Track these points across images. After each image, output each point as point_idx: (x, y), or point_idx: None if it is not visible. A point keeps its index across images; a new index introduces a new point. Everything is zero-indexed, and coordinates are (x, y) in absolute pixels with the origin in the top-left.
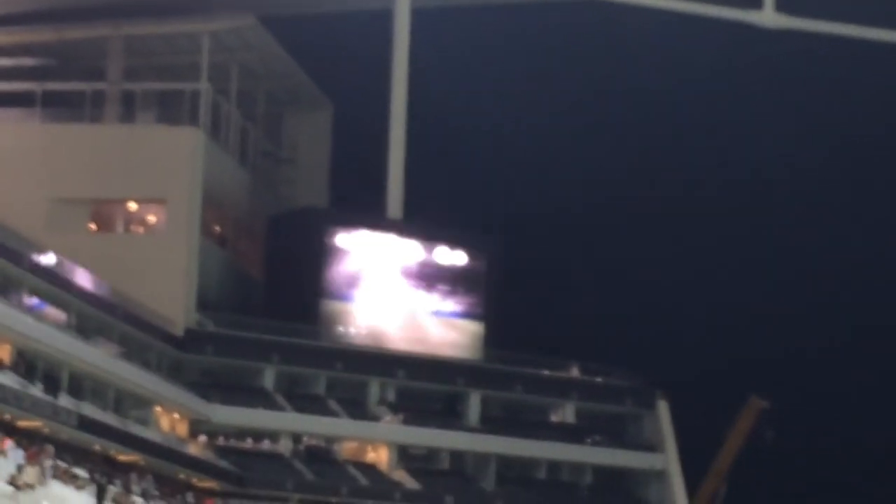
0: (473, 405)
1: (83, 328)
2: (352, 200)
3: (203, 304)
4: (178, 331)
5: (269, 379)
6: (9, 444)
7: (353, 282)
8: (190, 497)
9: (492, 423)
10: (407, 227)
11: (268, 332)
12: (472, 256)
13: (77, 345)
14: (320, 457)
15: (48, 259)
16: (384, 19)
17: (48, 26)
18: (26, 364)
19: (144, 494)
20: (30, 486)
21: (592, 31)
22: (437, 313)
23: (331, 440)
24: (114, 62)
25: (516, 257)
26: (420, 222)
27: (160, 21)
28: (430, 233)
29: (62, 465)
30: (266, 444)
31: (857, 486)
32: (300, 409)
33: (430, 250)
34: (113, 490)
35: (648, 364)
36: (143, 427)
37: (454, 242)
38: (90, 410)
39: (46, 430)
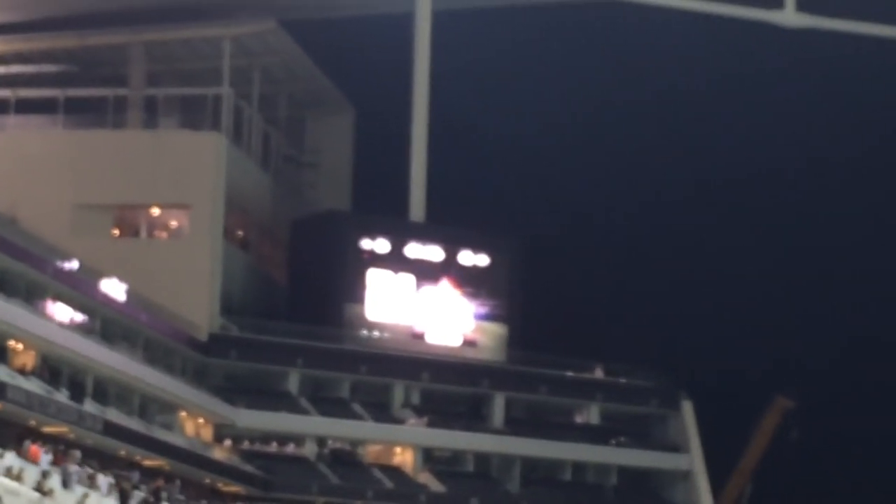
0: (498, 407)
1: (107, 334)
2: (374, 204)
3: (227, 309)
4: (203, 335)
5: (293, 383)
6: (35, 449)
7: (375, 285)
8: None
9: (516, 425)
10: (429, 229)
11: (292, 336)
12: (495, 258)
13: (102, 350)
14: (345, 460)
15: (72, 265)
16: (406, 22)
17: (70, 33)
18: (51, 370)
19: (170, 499)
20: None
21: (613, 32)
22: (460, 316)
23: (355, 443)
24: (136, 68)
25: (539, 259)
26: (443, 225)
27: (181, 26)
28: (452, 235)
29: (88, 470)
30: (291, 448)
31: (883, 486)
32: (325, 412)
33: (452, 253)
34: (138, 495)
35: (673, 364)
36: (168, 432)
37: (477, 244)
38: (115, 416)
39: (72, 436)
